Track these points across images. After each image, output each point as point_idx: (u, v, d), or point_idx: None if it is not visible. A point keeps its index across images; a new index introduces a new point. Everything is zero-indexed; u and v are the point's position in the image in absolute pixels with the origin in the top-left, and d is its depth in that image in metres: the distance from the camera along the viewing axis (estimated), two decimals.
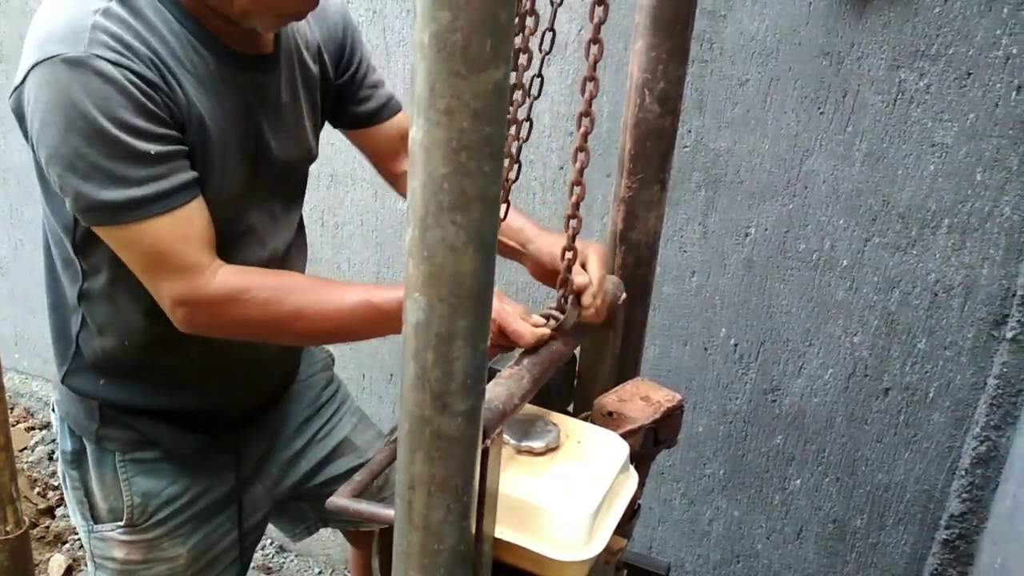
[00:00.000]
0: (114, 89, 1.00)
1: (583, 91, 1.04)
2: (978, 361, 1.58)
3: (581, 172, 1.05)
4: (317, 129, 1.34)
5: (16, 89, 1.05)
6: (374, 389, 2.30)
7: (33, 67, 1.01)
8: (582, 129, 1.06)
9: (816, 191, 1.59)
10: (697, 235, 1.72)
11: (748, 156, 1.63)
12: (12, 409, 3.20)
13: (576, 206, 1.07)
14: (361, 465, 1.50)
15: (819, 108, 1.54)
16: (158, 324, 1.16)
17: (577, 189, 1.05)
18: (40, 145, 1.04)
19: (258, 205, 1.23)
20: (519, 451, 1.06)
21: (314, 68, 1.28)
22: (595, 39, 1.08)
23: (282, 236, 1.29)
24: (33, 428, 3.22)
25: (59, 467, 1.37)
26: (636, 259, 1.33)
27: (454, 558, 0.83)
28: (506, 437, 1.08)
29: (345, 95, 1.36)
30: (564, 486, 0.99)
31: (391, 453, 1.22)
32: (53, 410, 1.36)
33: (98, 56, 1.00)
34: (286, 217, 1.30)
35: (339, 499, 1.02)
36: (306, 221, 1.43)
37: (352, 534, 1.72)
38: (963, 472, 1.65)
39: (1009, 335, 1.52)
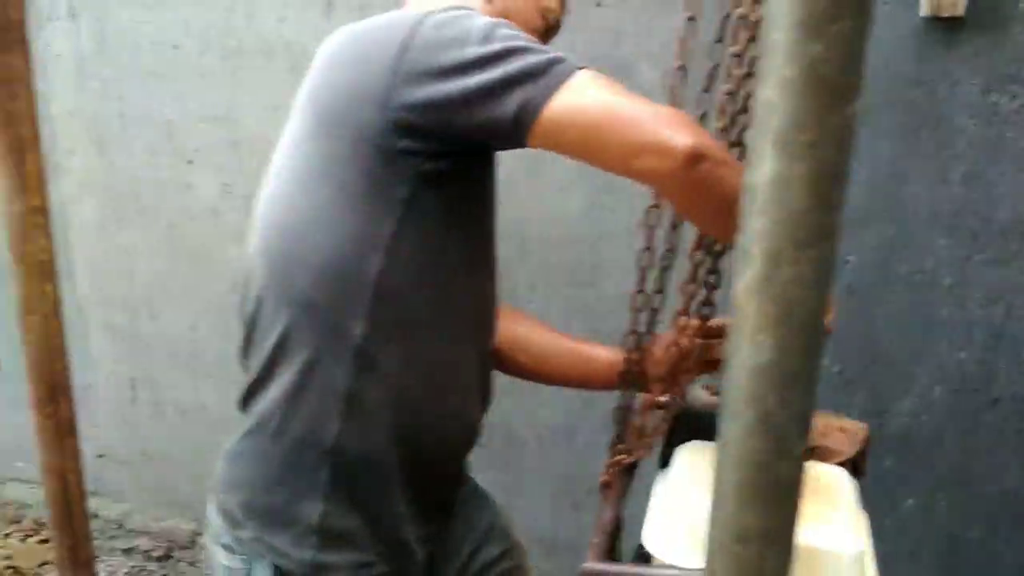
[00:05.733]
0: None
1: None
2: None
3: None
4: None
5: (406, 45, 0.96)
6: None
7: (419, 19, 0.97)
8: None
9: (916, 214, 1.59)
10: None
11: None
12: (19, 521, 2.94)
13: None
14: (509, 550, 1.42)
15: (915, 134, 1.56)
16: (443, 354, 1.08)
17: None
18: (468, 48, 0.94)
19: None
20: None
21: None
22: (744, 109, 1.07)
23: None
24: (47, 541, 2.79)
25: None
26: None
27: None
28: None
29: None
30: (832, 526, 0.93)
31: (614, 508, 1.16)
32: (234, 549, 1.13)
33: None
34: None
35: (596, 565, 0.96)
36: None
37: None
38: None
39: None
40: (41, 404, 1.49)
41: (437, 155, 0.99)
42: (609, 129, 0.92)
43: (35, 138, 1.31)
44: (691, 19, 1.09)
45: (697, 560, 0.95)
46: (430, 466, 1.14)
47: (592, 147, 0.95)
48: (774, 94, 0.64)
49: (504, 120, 0.93)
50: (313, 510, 1.08)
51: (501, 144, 1.01)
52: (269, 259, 1.07)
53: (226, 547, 1.14)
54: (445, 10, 0.98)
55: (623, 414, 1.19)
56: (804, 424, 0.72)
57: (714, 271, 1.13)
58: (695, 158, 0.89)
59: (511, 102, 0.92)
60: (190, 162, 2.07)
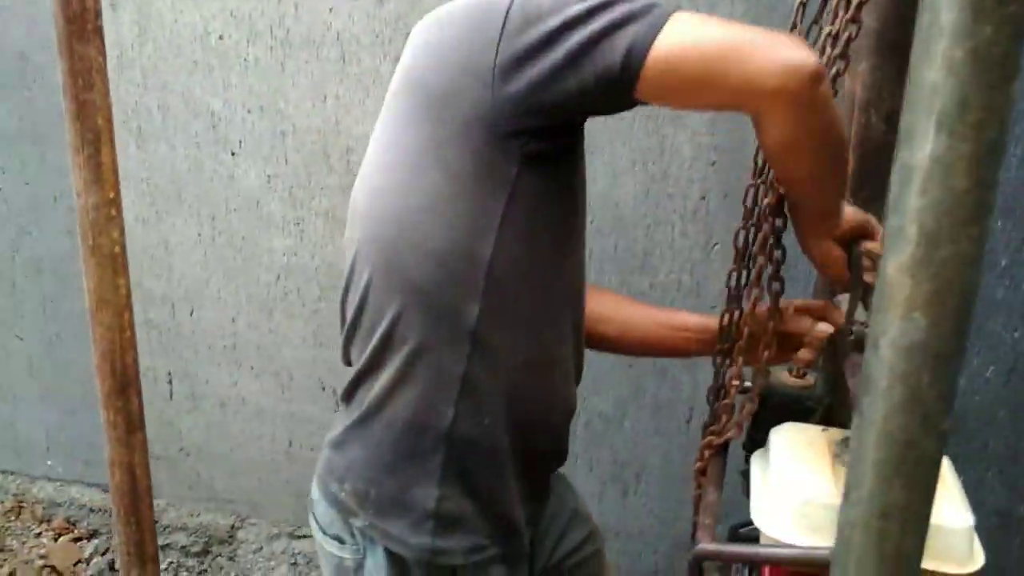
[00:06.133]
0: None
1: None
2: None
3: None
4: None
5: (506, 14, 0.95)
6: None
7: None
8: None
9: None
10: None
11: None
12: (50, 520, 2.91)
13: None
14: (591, 534, 1.42)
15: None
16: (548, 340, 1.09)
17: None
18: (561, 19, 0.93)
19: None
20: (841, 461, 1.03)
21: None
22: (843, 55, 1.08)
23: None
24: (80, 539, 2.76)
25: None
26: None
27: None
28: (840, 449, 1.05)
29: None
30: (942, 501, 0.95)
31: (717, 489, 1.17)
32: (345, 539, 1.14)
33: None
34: None
35: (711, 546, 0.96)
36: None
37: None
38: None
39: None
40: (111, 398, 1.48)
41: (543, 133, 0.99)
42: (728, 57, 0.90)
43: (110, 129, 1.30)
44: None
45: (807, 539, 0.96)
46: (537, 445, 1.15)
47: (711, 80, 0.92)
48: (939, 75, 0.64)
49: (612, 68, 0.91)
50: (429, 495, 1.08)
51: (611, 102, 0.99)
52: (380, 247, 1.07)
53: (336, 537, 1.14)
54: None
55: (715, 395, 1.20)
56: (950, 402, 0.72)
57: (778, 245, 1.15)
58: (818, 77, 0.89)
59: (618, 48, 0.90)
60: (233, 154, 2.06)
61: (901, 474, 0.73)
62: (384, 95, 1.10)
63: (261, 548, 2.43)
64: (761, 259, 1.14)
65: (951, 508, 0.93)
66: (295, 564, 2.38)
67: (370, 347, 1.09)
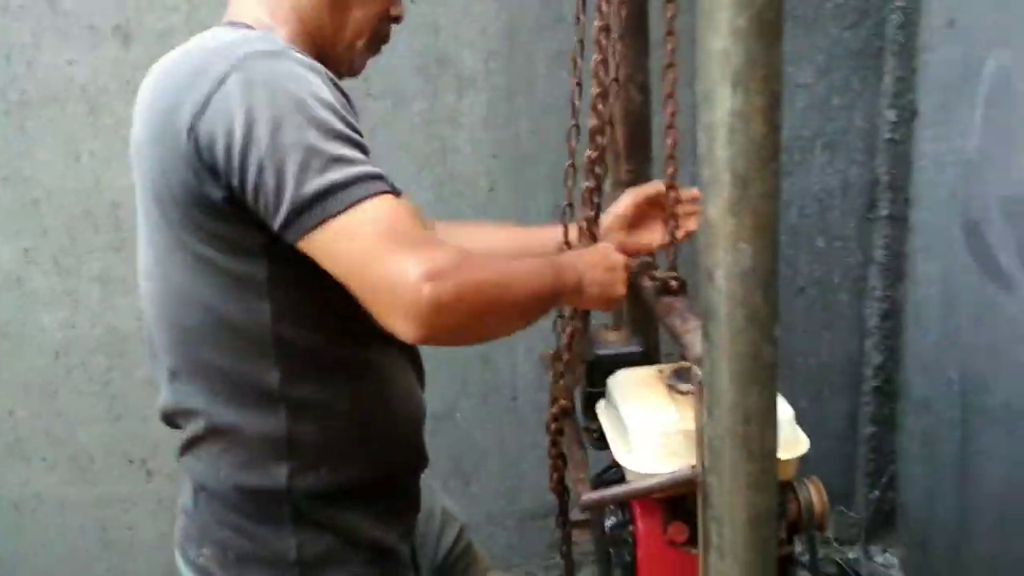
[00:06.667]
0: (316, 75, 0.92)
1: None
2: (864, 242, 1.92)
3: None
4: None
5: (204, 106, 0.90)
6: None
7: (227, 74, 0.89)
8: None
9: None
10: None
11: None
12: None
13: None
14: (462, 529, 1.46)
15: None
16: (369, 372, 1.07)
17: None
18: (249, 145, 0.88)
19: None
20: (676, 391, 1.15)
21: None
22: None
23: None
24: None
25: None
26: None
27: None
28: (671, 380, 1.17)
29: None
30: None
31: (580, 445, 1.25)
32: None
33: (294, 51, 0.93)
34: None
35: (594, 494, 1.04)
36: None
37: None
38: (873, 331, 1.99)
39: (883, 214, 1.88)
40: None
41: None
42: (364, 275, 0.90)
43: None
44: None
45: (668, 466, 1.07)
46: (393, 464, 1.15)
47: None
48: (727, 42, 0.76)
49: (277, 217, 0.90)
50: (288, 546, 1.06)
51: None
52: (168, 333, 1.05)
53: None
54: (259, 54, 0.92)
55: (554, 360, 1.27)
56: (778, 313, 0.85)
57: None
58: (435, 303, 0.87)
59: (291, 204, 0.88)
60: None
61: (756, 381, 0.85)
62: None
63: None
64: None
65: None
66: None
67: (191, 421, 1.06)
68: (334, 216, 0.88)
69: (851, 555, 2.19)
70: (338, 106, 0.92)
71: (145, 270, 1.07)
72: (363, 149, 0.93)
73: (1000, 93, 1.55)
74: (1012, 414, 1.58)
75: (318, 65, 0.95)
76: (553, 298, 1.07)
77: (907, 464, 2.06)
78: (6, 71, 1.73)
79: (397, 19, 1.14)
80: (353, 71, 1.13)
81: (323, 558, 1.08)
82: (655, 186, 1.30)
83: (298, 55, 0.94)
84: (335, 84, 0.96)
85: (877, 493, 2.15)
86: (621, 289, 1.14)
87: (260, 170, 0.88)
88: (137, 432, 2.03)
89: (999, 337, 1.59)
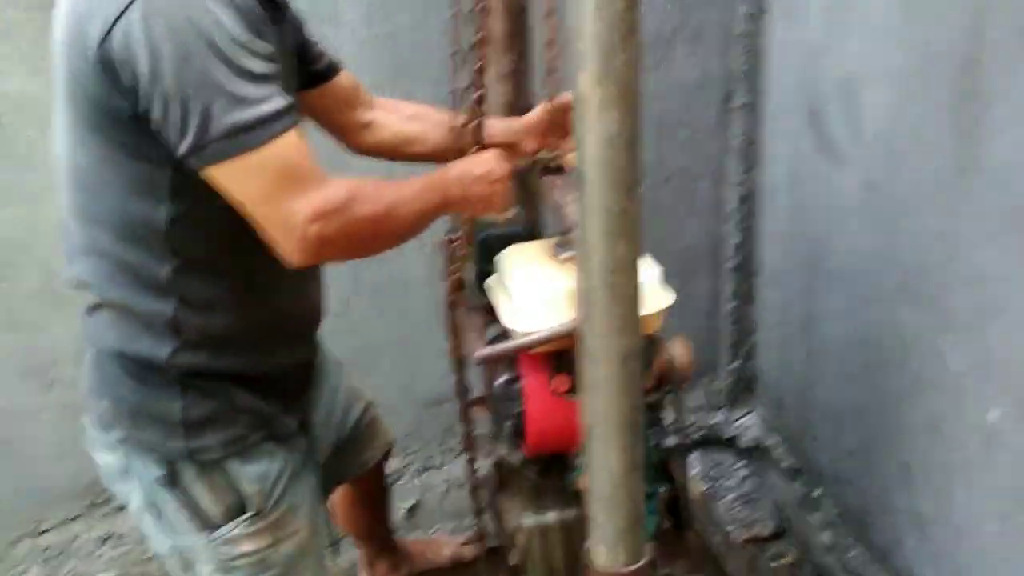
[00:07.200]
0: (225, 7, 0.94)
1: None
2: (723, 131, 2.07)
3: None
4: None
5: (110, 30, 0.91)
6: None
7: (131, 2, 0.91)
8: None
9: None
10: None
11: None
12: None
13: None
14: (368, 405, 1.58)
15: None
16: (256, 279, 1.12)
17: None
18: (155, 80, 0.92)
19: None
20: (560, 260, 1.27)
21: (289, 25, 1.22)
22: None
23: None
24: None
25: (137, 500, 1.22)
26: None
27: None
28: (555, 251, 1.29)
29: (301, 57, 1.30)
30: None
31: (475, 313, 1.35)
32: (112, 449, 1.19)
33: None
34: None
35: (488, 348, 1.15)
36: None
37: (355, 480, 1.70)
38: (732, 214, 2.16)
39: (738, 104, 2.03)
40: None
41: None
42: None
43: None
44: None
45: (554, 320, 1.18)
46: (273, 360, 1.24)
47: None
48: None
49: (180, 147, 0.96)
50: (173, 407, 1.15)
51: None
52: (73, 214, 1.10)
53: (105, 448, 1.21)
54: None
55: (449, 243, 1.36)
56: (639, 172, 0.96)
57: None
58: (315, 239, 1.01)
59: (195, 140, 0.95)
60: None
61: (622, 235, 0.97)
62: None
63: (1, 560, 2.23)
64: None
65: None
66: (46, 561, 2.23)
67: (86, 289, 1.14)
68: (233, 156, 0.96)
69: (714, 421, 2.41)
70: (244, 36, 0.95)
71: (60, 154, 1.10)
72: (268, 78, 0.98)
73: None
74: (846, 279, 1.79)
75: None
76: (437, 214, 1.18)
77: (764, 333, 2.28)
78: None
79: None
80: None
81: (207, 419, 1.18)
82: (566, 97, 1.38)
83: None
84: (249, 7, 0.98)
85: (739, 362, 2.37)
86: (501, 201, 1.24)
87: (165, 104, 0.93)
88: (33, 344, 2.00)
89: (834, 208, 1.78)
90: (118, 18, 0.92)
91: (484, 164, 1.22)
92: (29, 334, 1.98)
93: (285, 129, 0.98)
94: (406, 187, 1.14)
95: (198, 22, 0.92)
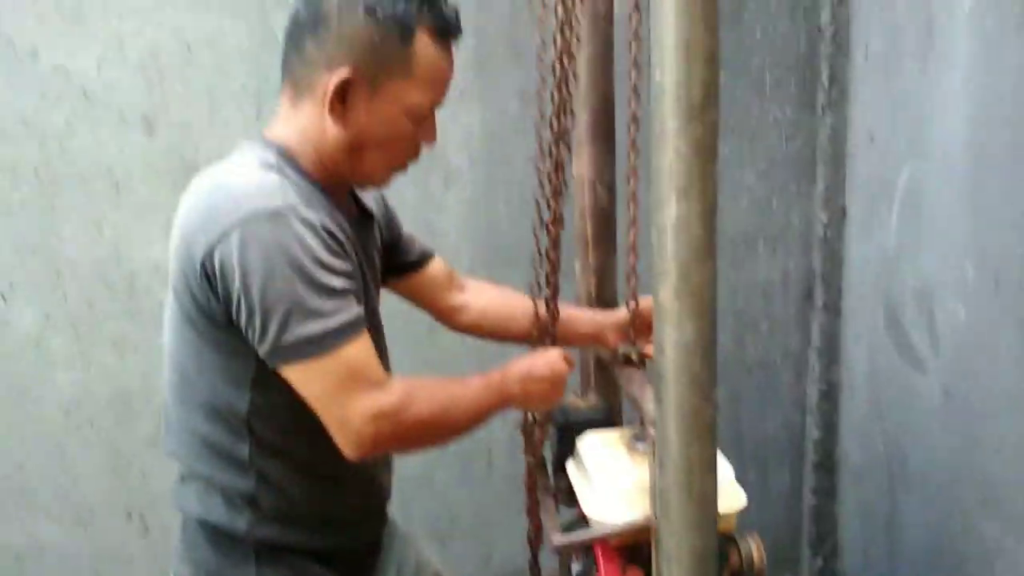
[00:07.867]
0: (311, 233, 1.07)
1: None
2: (804, 327, 2.12)
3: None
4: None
5: (214, 247, 1.06)
6: None
7: (230, 231, 1.05)
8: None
9: None
10: None
11: None
12: None
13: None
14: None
15: None
16: (327, 463, 1.19)
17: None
18: (245, 293, 1.05)
19: None
20: (635, 451, 1.30)
21: (376, 227, 1.36)
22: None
23: None
24: None
25: None
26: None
27: None
28: (631, 442, 1.32)
29: (393, 250, 1.43)
30: None
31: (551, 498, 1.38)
32: None
33: (294, 206, 1.07)
34: None
35: (563, 538, 1.18)
36: None
37: None
38: (812, 408, 2.16)
39: (819, 304, 2.08)
40: None
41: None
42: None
43: None
44: None
45: (627, 515, 1.20)
46: (341, 536, 1.30)
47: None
48: (673, 159, 0.94)
49: (260, 349, 1.09)
50: (247, 574, 1.22)
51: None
52: (170, 393, 1.23)
53: None
54: (261, 216, 1.05)
55: (528, 427, 1.43)
56: (716, 379, 1.01)
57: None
58: (376, 437, 1.11)
59: (272, 345, 1.07)
60: (4, 299, 1.97)
61: (697, 436, 1.02)
62: (163, 222, 1.18)
63: None
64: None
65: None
66: None
67: (176, 460, 1.25)
68: (304, 360, 1.08)
69: None
70: (326, 258, 1.08)
71: (165, 340, 1.24)
72: (342, 292, 1.10)
73: (912, 198, 1.78)
74: (927, 483, 1.75)
75: (315, 221, 1.08)
76: (494, 411, 1.25)
77: (846, 531, 2.20)
78: (41, 153, 1.89)
79: (428, 143, 1.25)
80: (376, 185, 1.27)
81: None
82: (649, 301, 1.46)
83: (301, 213, 1.07)
84: (332, 231, 1.11)
85: (821, 560, 2.28)
86: (557, 397, 1.31)
87: (250, 315, 1.07)
88: (137, 486, 2.12)
89: (914, 412, 1.77)
90: (218, 243, 1.06)
91: (547, 365, 1.29)
92: (138, 479, 2.09)
93: (350, 339, 1.09)
94: (464, 386, 1.22)
95: (287, 246, 1.06)
